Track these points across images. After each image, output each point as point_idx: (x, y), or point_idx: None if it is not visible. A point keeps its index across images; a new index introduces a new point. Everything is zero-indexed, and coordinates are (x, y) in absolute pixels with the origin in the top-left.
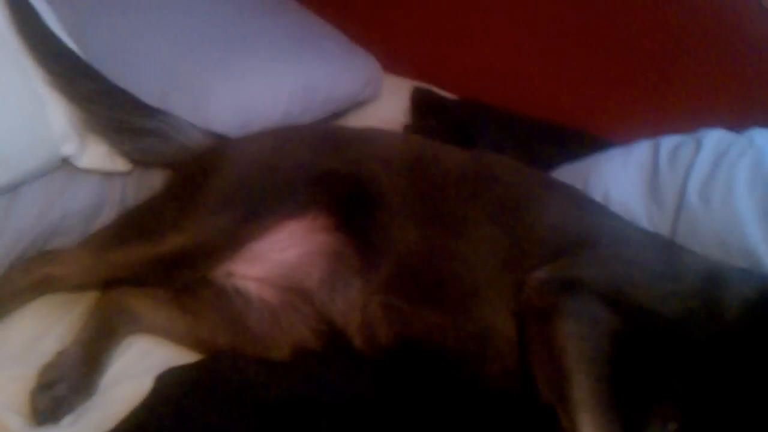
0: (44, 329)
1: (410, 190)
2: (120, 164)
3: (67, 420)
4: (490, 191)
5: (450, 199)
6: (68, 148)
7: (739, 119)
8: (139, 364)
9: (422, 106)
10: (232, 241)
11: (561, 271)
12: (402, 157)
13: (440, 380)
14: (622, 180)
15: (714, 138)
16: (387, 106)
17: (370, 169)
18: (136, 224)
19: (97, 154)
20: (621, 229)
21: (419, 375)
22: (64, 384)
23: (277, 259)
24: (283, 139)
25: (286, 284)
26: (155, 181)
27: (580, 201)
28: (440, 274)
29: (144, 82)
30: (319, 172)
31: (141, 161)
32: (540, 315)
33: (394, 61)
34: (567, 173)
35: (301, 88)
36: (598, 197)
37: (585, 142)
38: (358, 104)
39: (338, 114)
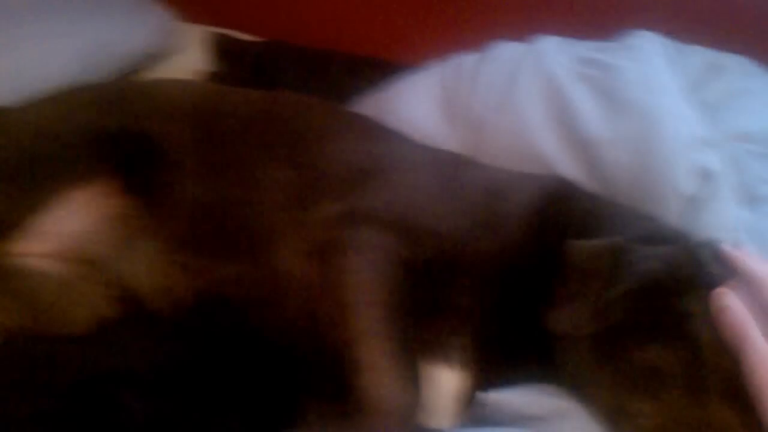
0: None
1: (197, 140)
2: None
3: None
4: (277, 131)
5: (237, 145)
6: None
7: (528, 32)
8: None
9: (221, 52)
10: (8, 218)
11: (345, 204)
12: (189, 106)
13: (244, 333)
14: (412, 103)
15: (500, 50)
16: (189, 56)
17: (156, 123)
18: None
19: None
20: (407, 154)
21: (223, 330)
22: None
23: (64, 231)
24: (63, 102)
25: (76, 256)
26: None
27: (371, 131)
28: (233, 225)
29: None
30: (103, 134)
31: None
32: (324, 251)
33: (192, 9)
34: (365, 104)
35: (84, 48)
36: (394, 124)
37: (386, 70)
38: (155, 58)
39: (135, 70)
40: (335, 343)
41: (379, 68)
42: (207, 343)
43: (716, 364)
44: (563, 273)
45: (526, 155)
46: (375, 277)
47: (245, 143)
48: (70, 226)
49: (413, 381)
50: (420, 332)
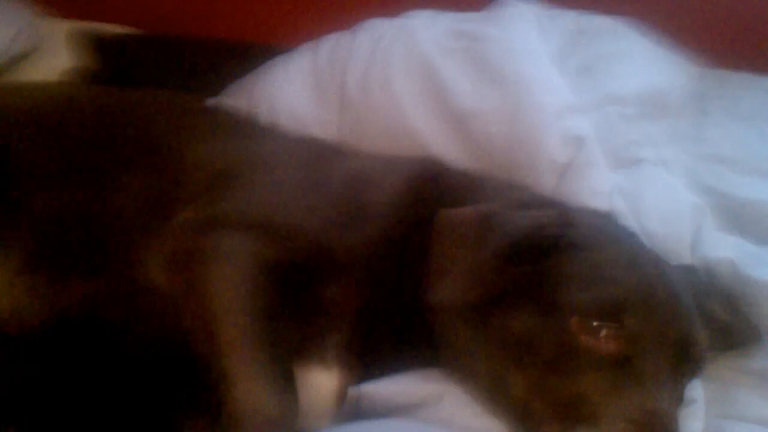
0: None
1: (46, 148)
2: None
3: None
4: (132, 134)
5: (89, 151)
6: None
7: (403, 8)
8: None
9: (84, 47)
10: None
11: (204, 208)
12: (37, 111)
13: (102, 350)
14: (285, 88)
15: (368, 29)
16: (56, 54)
17: (1, 130)
18: None
19: None
20: (269, 150)
21: (80, 350)
22: None
23: None
24: None
25: None
26: None
27: (232, 129)
28: (86, 238)
29: None
30: None
31: None
32: (183, 261)
33: (59, 3)
34: (234, 90)
35: None
36: (264, 109)
37: (259, 54)
38: (19, 58)
39: None
40: (204, 355)
41: (257, 52)
42: (66, 363)
43: (581, 329)
44: (436, 246)
45: (401, 133)
46: (238, 285)
47: (97, 148)
48: None
49: (288, 388)
50: (293, 334)
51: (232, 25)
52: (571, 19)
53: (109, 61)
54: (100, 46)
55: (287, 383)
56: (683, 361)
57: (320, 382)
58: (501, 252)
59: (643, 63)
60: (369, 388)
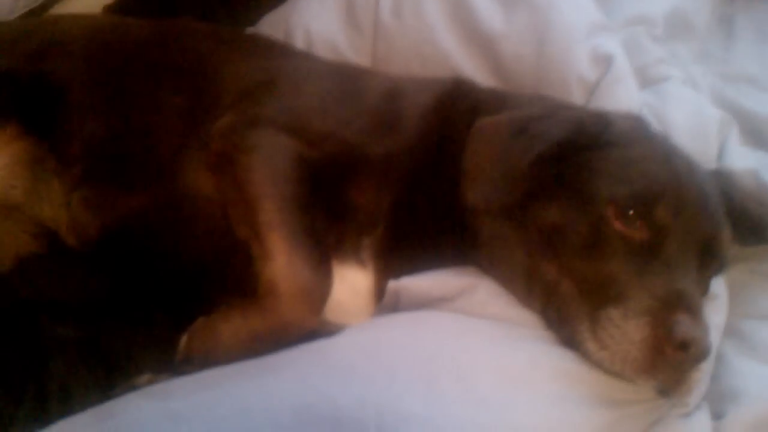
0: None
1: (93, 74)
2: None
3: None
4: (172, 58)
5: (132, 75)
6: None
7: None
8: None
9: None
10: None
11: (244, 112)
12: (84, 40)
13: (155, 260)
14: (320, 15)
15: None
16: None
17: (50, 61)
18: None
19: None
20: (303, 65)
21: (134, 260)
22: None
23: None
24: None
25: None
26: None
27: (268, 49)
28: (133, 155)
29: None
30: (0, 75)
31: None
32: (227, 158)
33: None
34: (269, 21)
35: None
36: (299, 37)
37: None
38: None
39: (43, 8)
40: (244, 241)
41: None
42: (119, 270)
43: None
44: (471, 151)
45: (430, 57)
46: (277, 171)
47: (140, 73)
48: None
49: (322, 263)
50: (329, 233)
51: None
52: None
53: None
54: None
55: (321, 259)
56: (709, 255)
57: (357, 280)
58: (543, 152)
59: None
60: (406, 282)
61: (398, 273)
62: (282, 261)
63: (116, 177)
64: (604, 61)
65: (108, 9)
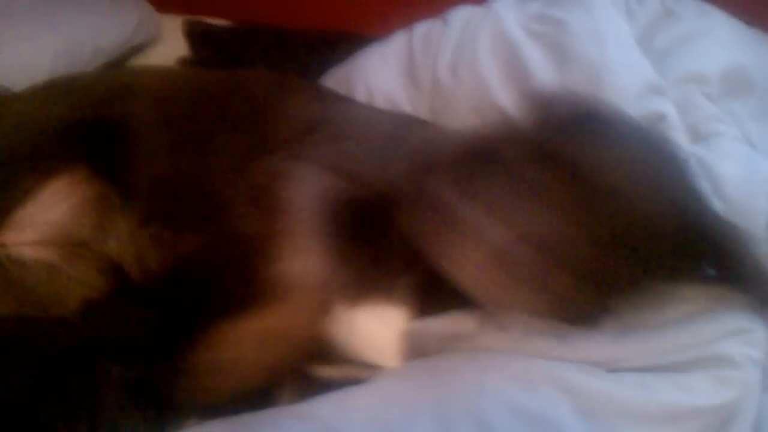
0: None
1: (161, 118)
2: None
3: None
4: (235, 101)
5: (197, 120)
6: None
7: None
8: None
9: (196, 38)
10: None
11: (287, 152)
12: (154, 86)
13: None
14: (381, 72)
15: (459, 15)
16: (167, 46)
17: (123, 107)
18: None
19: None
20: (356, 111)
21: (190, 295)
22: None
23: (47, 219)
24: (39, 95)
25: (62, 240)
26: None
27: (323, 94)
28: (192, 196)
29: None
30: (73, 121)
31: None
32: (263, 188)
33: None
34: (333, 76)
35: (64, 44)
36: (361, 92)
37: (355, 43)
38: (135, 49)
39: (119, 61)
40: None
41: (348, 41)
42: (174, 308)
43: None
44: None
45: (486, 112)
46: (310, 193)
47: (205, 118)
48: (53, 213)
49: (339, 268)
50: (364, 273)
51: (326, 16)
52: (659, 1)
53: (217, 51)
54: (209, 37)
55: (339, 266)
56: None
57: (389, 319)
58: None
59: (727, 41)
60: (421, 324)
61: (430, 313)
62: (298, 260)
63: (175, 216)
64: (656, 121)
65: (181, 61)
